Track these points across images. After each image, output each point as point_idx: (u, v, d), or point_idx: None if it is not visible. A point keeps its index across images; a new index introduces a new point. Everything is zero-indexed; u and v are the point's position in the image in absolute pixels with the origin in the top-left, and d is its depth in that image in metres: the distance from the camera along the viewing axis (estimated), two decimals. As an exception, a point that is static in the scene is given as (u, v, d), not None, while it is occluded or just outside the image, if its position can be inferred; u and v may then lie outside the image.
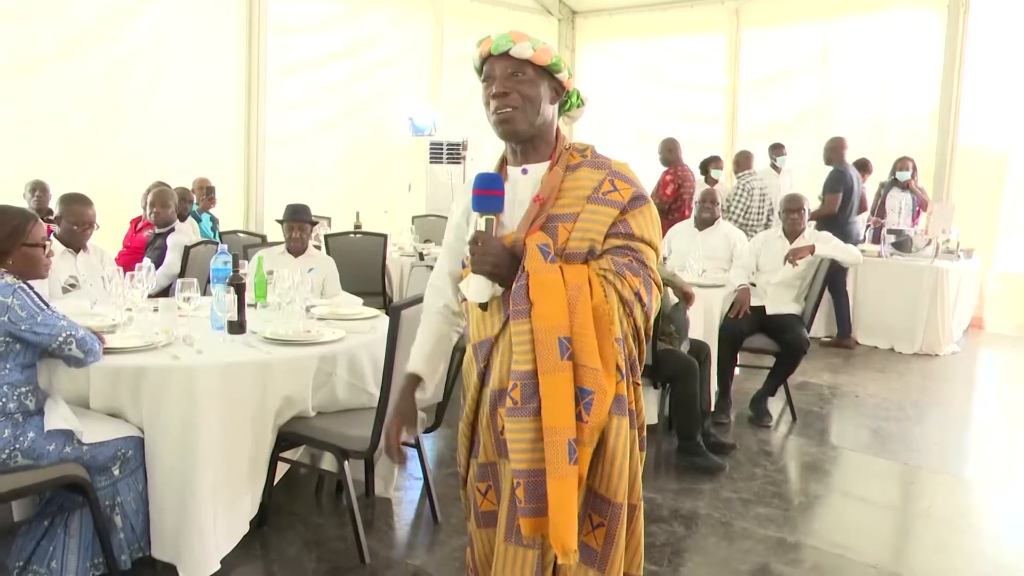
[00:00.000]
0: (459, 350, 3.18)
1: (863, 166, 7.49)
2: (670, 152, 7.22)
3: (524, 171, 1.83)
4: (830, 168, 6.91)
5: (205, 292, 3.70)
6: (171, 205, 5.20)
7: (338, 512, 3.41)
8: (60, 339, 2.52)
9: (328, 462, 3.32)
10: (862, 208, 7.28)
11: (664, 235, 4.93)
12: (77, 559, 2.67)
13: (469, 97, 8.65)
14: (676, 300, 4.11)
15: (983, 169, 7.76)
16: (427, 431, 3.29)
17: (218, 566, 2.78)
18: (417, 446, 3.33)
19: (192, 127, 7.16)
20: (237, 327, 3.13)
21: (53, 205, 4.62)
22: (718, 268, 5.15)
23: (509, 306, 1.71)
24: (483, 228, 1.74)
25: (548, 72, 1.79)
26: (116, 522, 2.71)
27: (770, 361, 4.78)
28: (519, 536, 1.74)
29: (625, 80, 9.96)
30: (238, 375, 2.80)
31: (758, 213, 7.11)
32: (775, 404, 4.86)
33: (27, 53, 6.25)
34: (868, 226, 7.52)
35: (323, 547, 3.10)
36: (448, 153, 8.53)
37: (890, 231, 6.91)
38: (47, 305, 2.57)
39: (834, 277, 5.80)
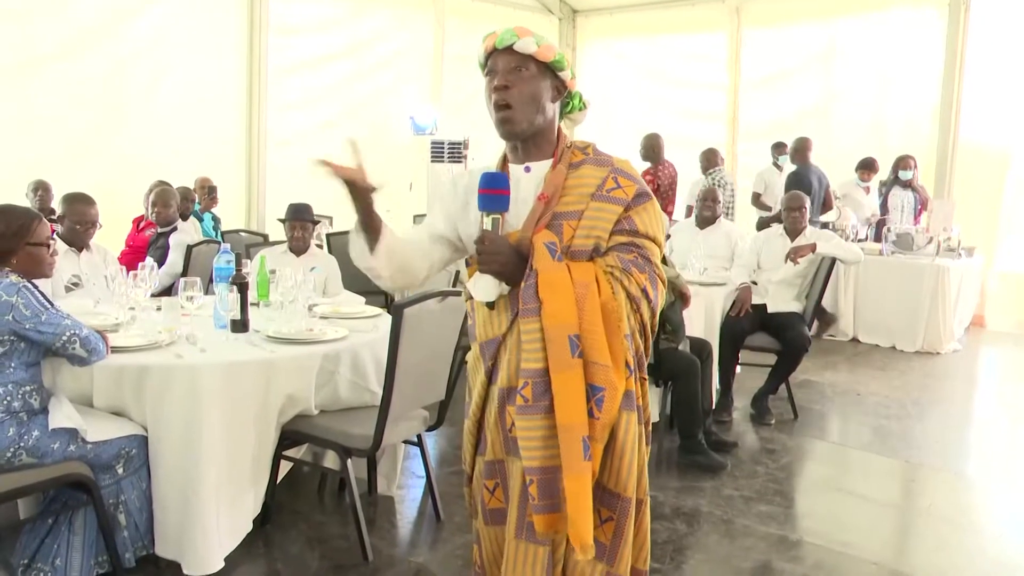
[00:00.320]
0: (461, 349, 3.21)
1: (869, 166, 7.48)
2: (653, 150, 7.04)
3: (527, 169, 1.83)
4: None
5: (208, 291, 3.71)
6: (173, 204, 5.22)
7: (341, 510, 3.42)
8: (64, 338, 2.53)
9: (331, 460, 3.33)
10: (826, 207, 7.41)
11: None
12: (81, 557, 2.68)
13: (470, 96, 8.66)
14: (672, 299, 4.12)
15: (984, 168, 7.76)
16: (430, 429, 3.30)
17: (222, 564, 2.79)
18: (420, 444, 3.34)
19: (193, 127, 7.17)
20: (240, 326, 3.14)
21: (56, 205, 4.63)
22: (719, 266, 5.15)
23: (518, 304, 1.72)
24: (489, 227, 1.75)
25: (550, 70, 1.80)
26: (120, 520, 2.73)
27: (771, 359, 4.78)
28: (529, 532, 1.76)
29: (626, 79, 9.96)
30: (241, 374, 2.81)
31: (726, 208, 7.16)
32: (776, 402, 4.86)
33: (28, 53, 6.26)
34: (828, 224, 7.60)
35: (326, 545, 3.11)
36: (449, 152, 8.54)
37: (884, 225, 6.95)
38: (51, 304, 2.58)
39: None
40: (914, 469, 4.11)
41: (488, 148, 6.87)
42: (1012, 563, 3.18)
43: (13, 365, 2.52)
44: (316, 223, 4.75)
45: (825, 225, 7.02)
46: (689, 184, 7.78)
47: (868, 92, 8.34)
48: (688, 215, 7.12)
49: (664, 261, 1.79)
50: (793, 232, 4.88)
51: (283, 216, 4.52)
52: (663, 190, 7.05)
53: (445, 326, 3.10)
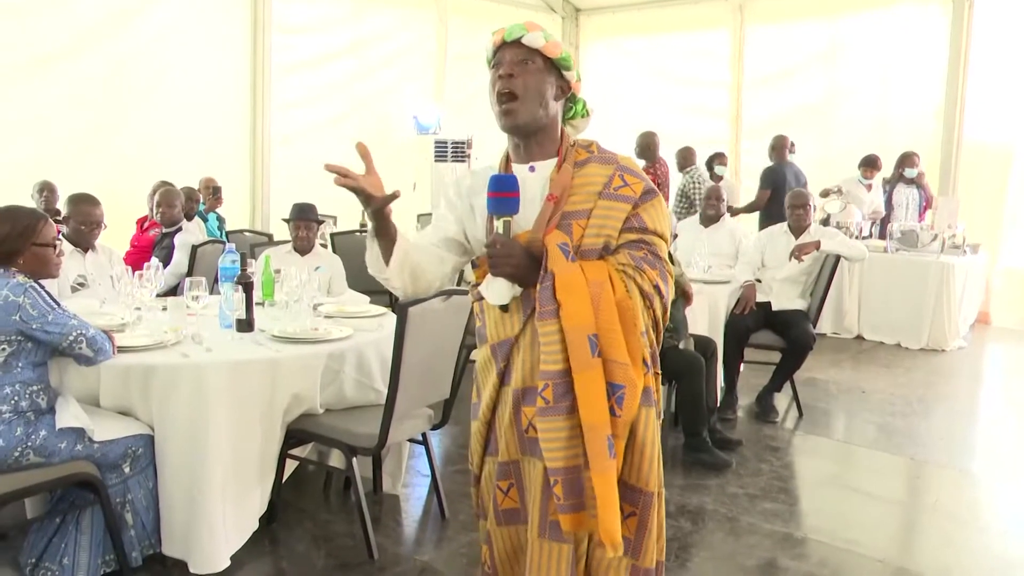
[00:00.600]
0: (466, 347, 3.21)
1: (871, 163, 7.45)
2: (648, 148, 7.00)
3: (531, 168, 1.83)
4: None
5: (213, 291, 3.72)
6: (177, 205, 5.23)
7: (346, 508, 3.43)
8: (71, 338, 2.54)
9: (336, 459, 3.34)
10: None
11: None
12: (88, 556, 2.69)
13: (474, 95, 8.66)
14: (674, 296, 4.12)
15: (988, 164, 7.74)
16: (434, 428, 3.30)
17: (228, 562, 2.80)
18: (425, 443, 3.35)
19: (197, 127, 7.18)
20: (245, 325, 3.15)
21: (61, 205, 4.65)
22: (723, 264, 5.15)
23: (537, 306, 1.73)
24: (501, 231, 1.74)
25: (556, 67, 1.81)
26: (127, 519, 2.74)
27: (776, 357, 4.78)
28: (552, 531, 1.77)
29: (629, 77, 9.95)
30: (247, 373, 2.82)
31: (700, 205, 7.19)
32: (781, 400, 4.86)
33: (32, 52, 6.27)
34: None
35: (332, 543, 3.11)
36: (453, 151, 8.54)
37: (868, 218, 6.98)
38: (58, 304, 2.59)
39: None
40: (919, 466, 4.11)
41: (491, 147, 6.87)
42: (1017, 560, 3.17)
43: (20, 365, 2.53)
44: (320, 223, 4.75)
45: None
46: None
47: (872, 89, 8.32)
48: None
49: (671, 259, 1.80)
50: (797, 230, 4.88)
51: (287, 216, 4.53)
52: (660, 188, 7.05)
53: (449, 325, 3.10)
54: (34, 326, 2.49)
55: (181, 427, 2.72)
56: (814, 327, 4.71)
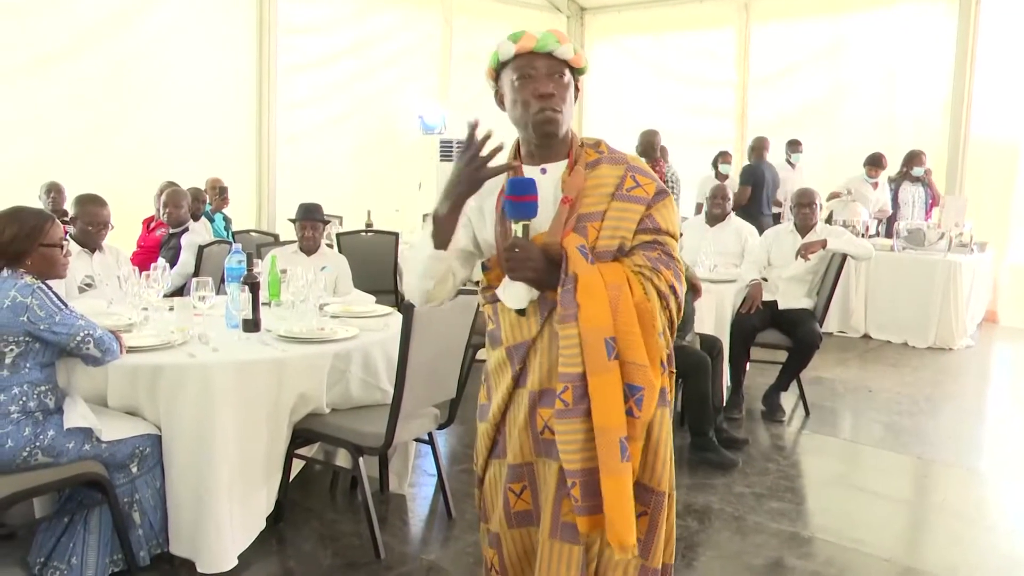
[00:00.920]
0: (472, 347, 3.22)
1: (877, 161, 7.42)
2: (651, 146, 6.82)
3: (543, 171, 1.83)
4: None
5: (219, 291, 3.73)
6: (184, 205, 5.24)
7: (353, 508, 3.43)
8: (78, 338, 2.55)
9: (343, 458, 3.34)
10: (778, 202, 7.66)
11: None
12: (96, 555, 2.70)
13: (478, 95, 8.63)
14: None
15: (995, 162, 7.71)
16: (441, 427, 3.31)
17: (235, 562, 2.80)
18: (431, 442, 3.35)
19: (203, 127, 7.20)
20: (252, 325, 3.16)
21: (68, 206, 4.66)
22: (729, 263, 5.15)
23: (559, 309, 1.72)
24: (520, 234, 1.73)
25: (575, 74, 1.83)
26: (134, 518, 2.75)
27: (782, 356, 4.77)
28: (563, 532, 1.77)
29: (634, 76, 9.94)
30: (253, 373, 2.82)
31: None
32: (788, 399, 4.85)
33: (36, 52, 6.30)
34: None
35: (338, 543, 3.12)
36: (458, 151, 8.53)
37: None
38: (65, 305, 2.60)
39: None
40: (926, 465, 4.10)
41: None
42: (1026, 559, 3.17)
43: (28, 365, 2.55)
44: (326, 223, 4.77)
45: (776, 217, 7.30)
46: (699, 180, 7.77)
47: (878, 87, 8.29)
48: (698, 212, 7.11)
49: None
50: (803, 228, 4.87)
51: (293, 216, 4.54)
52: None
53: (456, 324, 3.11)
54: (42, 327, 2.50)
55: (188, 427, 2.73)
56: (821, 326, 4.69)
